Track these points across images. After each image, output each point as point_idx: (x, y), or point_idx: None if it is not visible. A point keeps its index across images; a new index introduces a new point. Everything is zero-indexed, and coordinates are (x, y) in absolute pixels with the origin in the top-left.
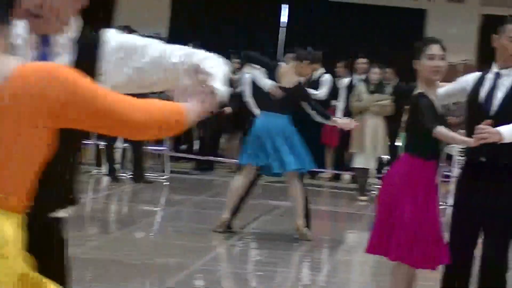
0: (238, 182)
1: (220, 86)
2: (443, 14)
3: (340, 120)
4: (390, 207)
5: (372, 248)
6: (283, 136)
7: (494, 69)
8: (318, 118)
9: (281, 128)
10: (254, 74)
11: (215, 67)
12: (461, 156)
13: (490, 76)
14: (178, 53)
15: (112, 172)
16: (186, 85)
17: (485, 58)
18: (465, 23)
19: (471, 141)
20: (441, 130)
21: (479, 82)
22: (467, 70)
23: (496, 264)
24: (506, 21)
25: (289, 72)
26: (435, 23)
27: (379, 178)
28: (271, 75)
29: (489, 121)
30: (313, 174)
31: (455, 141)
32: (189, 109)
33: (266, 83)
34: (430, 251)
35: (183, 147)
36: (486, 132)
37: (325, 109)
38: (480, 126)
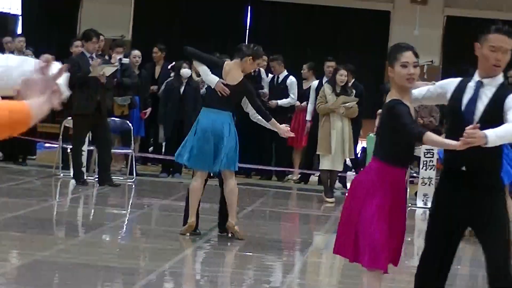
0: (196, 184)
1: (64, 84)
2: (407, 16)
3: (279, 125)
4: (355, 211)
5: (338, 249)
6: (222, 134)
7: (476, 77)
8: (257, 117)
9: (221, 124)
10: (201, 70)
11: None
12: (428, 158)
13: (471, 85)
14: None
15: (78, 175)
16: (31, 83)
17: (450, 59)
18: (429, 25)
19: (457, 145)
20: (430, 136)
21: (461, 89)
22: (432, 71)
23: (504, 267)
24: (487, 31)
25: (234, 69)
26: (399, 25)
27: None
28: (217, 72)
29: (477, 125)
30: (281, 176)
31: (443, 146)
32: (34, 106)
33: (213, 79)
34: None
35: (151, 149)
36: (473, 136)
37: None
38: (469, 130)
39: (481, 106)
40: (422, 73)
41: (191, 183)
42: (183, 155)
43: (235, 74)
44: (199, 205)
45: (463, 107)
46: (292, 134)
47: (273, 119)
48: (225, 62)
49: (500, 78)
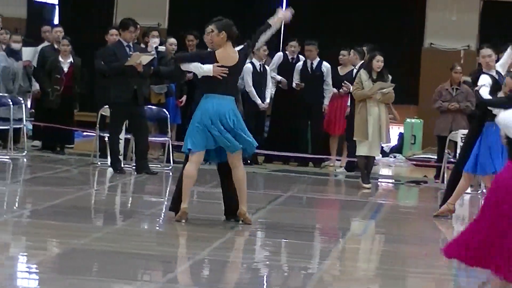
0: (191, 169)
1: None
2: (443, 1)
3: (278, 16)
4: (498, 214)
5: (474, 260)
6: (226, 118)
7: None
8: (265, 37)
9: (226, 109)
10: (192, 67)
11: None
12: None
13: None
14: None
15: (115, 164)
16: None
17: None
18: (466, 9)
19: None
20: None
21: None
22: (469, 56)
23: None
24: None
25: (228, 52)
26: (435, 10)
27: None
28: (209, 62)
29: None
30: (318, 163)
31: None
32: None
33: (207, 68)
34: None
35: None
36: None
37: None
38: None
39: None
40: (459, 58)
41: (185, 168)
42: (187, 142)
43: (231, 55)
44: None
45: None
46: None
47: (271, 19)
48: (216, 51)
49: None
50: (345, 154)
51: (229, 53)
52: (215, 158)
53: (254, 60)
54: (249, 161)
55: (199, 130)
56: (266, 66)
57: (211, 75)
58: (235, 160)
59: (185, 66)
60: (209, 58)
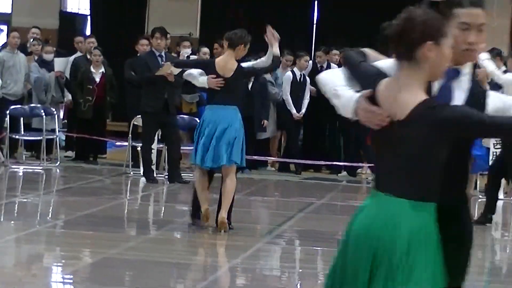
0: (197, 175)
1: None
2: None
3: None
4: None
5: None
6: (226, 128)
7: None
8: (268, 62)
9: (227, 119)
10: (190, 78)
11: None
12: (497, 149)
13: None
14: None
15: (148, 173)
16: None
17: None
18: (498, 15)
19: None
20: None
21: None
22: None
23: None
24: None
25: (228, 61)
26: None
27: None
28: (210, 71)
29: None
30: (351, 170)
31: None
32: None
33: (202, 80)
34: None
35: None
36: None
37: None
38: None
39: None
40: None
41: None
42: (193, 155)
43: (230, 65)
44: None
45: None
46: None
47: (270, 50)
48: (216, 59)
49: None
50: None
51: (227, 63)
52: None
53: (295, 69)
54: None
55: (196, 142)
56: (306, 77)
57: (206, 87)
58: (224, 171)
59: (186, 76)
60: (209, 66)
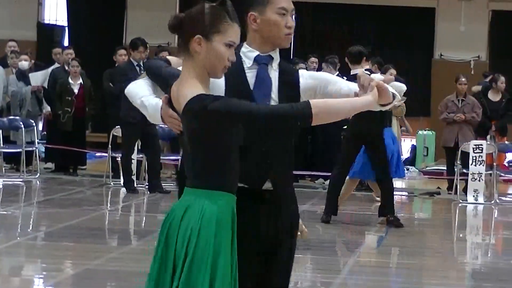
0: None
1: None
2: (452, 12)
3: None
4: None
5: None
6: None
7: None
8: None
9: None
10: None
11: None
12: (477, 153)
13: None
14: None
15: (128, 184)
16: None
17: (497, 54)
18: (475, 20)
19: None
20: None
21: None
22: (479, 67)
23: None
24: None
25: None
26: (445, 21)
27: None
28: None
29: None
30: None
31: None
32: None
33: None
34: None
35: None
36: None
37: None
38: None
39: None
40: (469, 69)
41: None
42: None
43: None
44: None
45: None
46: None
47: None
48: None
49: None
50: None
51: None
52: None
53: None
54: None
55: None
56: None
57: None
58: None
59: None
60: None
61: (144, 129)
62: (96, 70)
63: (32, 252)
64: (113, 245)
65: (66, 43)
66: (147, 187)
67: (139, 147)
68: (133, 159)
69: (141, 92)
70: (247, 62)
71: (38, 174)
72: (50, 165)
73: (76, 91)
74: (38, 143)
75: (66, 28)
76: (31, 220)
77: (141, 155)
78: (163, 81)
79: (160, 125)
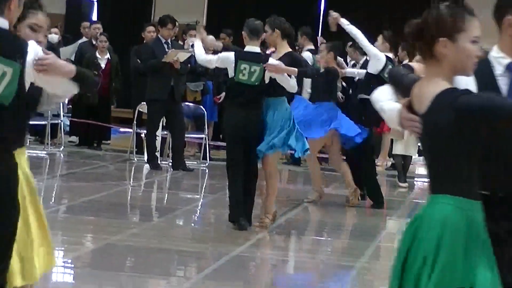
0: None
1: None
2: None
3: None
4: None
5: None
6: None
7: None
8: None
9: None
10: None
11: None
12: None
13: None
14: None
15: (152, 160)
16: None
17: None
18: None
19: None
20: None
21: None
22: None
23: None
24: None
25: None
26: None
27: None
28: None
29: None
30: None
31: None
32: None
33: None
34: None
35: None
36: None
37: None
38: None
39: None
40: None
41: None
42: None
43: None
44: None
45: None
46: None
47: None
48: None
49: None
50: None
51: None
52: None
53: None
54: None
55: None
56: None
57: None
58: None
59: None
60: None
61: (169, 106)
62: (124, 46)
63: (54, 225)
64: (134, 221)
65: (94, 17)
66: (170, 164)
67: (164, 124)
68: (158, 136)
69: (382, 97)
70: (498, 69)
71: (62, 147)
72: (74, 138)
73: (103, 66)
74: (63, 116)
75: (95, 2)
76: (54, 193)
77: (165, 132)
78: (404, 89)
79: (186, 103)
